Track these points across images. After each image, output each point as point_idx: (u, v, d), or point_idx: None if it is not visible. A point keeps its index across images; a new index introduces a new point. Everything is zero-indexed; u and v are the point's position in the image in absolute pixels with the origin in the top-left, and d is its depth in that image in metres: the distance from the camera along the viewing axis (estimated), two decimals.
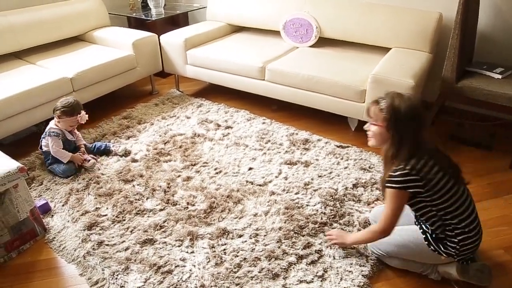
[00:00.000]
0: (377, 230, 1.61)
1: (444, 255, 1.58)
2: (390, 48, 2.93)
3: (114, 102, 3.44)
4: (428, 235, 1.61)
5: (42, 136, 2.45)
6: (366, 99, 2.54)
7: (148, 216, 2.08)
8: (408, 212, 1.65)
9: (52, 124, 2.45)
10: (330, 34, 3.17)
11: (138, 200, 2.19)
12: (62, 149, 2.42)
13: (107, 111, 3.25)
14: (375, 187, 2.25)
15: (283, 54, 3.13)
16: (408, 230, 1.68)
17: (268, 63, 2.95)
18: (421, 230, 1.64)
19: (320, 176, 2.35)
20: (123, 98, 3.53)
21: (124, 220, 2.05)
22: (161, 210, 2.11)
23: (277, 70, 2.86)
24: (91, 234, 1.97)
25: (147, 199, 2.20)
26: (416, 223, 1.69)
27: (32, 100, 2.59)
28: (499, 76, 2.48)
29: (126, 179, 2.36)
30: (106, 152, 2.64)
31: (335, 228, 1.97)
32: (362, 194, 2.21)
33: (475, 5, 2.53)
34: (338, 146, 2.67)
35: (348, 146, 2.67)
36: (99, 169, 2.47)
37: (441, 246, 1.58)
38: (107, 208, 2.14)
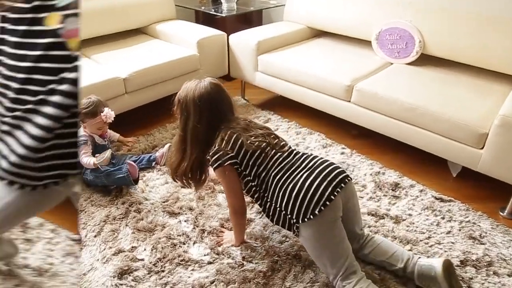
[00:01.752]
0: (231, 212, 1.67)
1: (294, 225, 1.45)
2: None
3: (169, 106, 3.05)
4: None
5: None
6: (486, 146, 1.94)
7: (192, 269, 1.64)
8: None
9: (80, 132, 2.12)
10: (436, 52, 2.56)
11: (183, 243, 1.77)
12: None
13: (161, 117, 2.84)
14: (491, 271, 1.66)
15: (374, 71, 2.56)
16: None
17: (358, 81, 2.40)
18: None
19: (415, 242, 1.79)
20: None
21: (163, 271, 1.63)
22: (209, 263, 1.67)
23: (369, 92, 2.31)
24: (122, 285, 1.57)
25: (194, 243, 1.77)
26: None
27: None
28: None
29: (172, 211, 1.94)
30: (153, 161, 2.29)
31: None
32: (473, 278, 1.62)
33: None
34: (437, 198, 2.08)
35: (450, 200, 2.08)
36: (143, 191, 2.09)
37: (282, 221, 1.49)
38: (144, 249, 1.74)
